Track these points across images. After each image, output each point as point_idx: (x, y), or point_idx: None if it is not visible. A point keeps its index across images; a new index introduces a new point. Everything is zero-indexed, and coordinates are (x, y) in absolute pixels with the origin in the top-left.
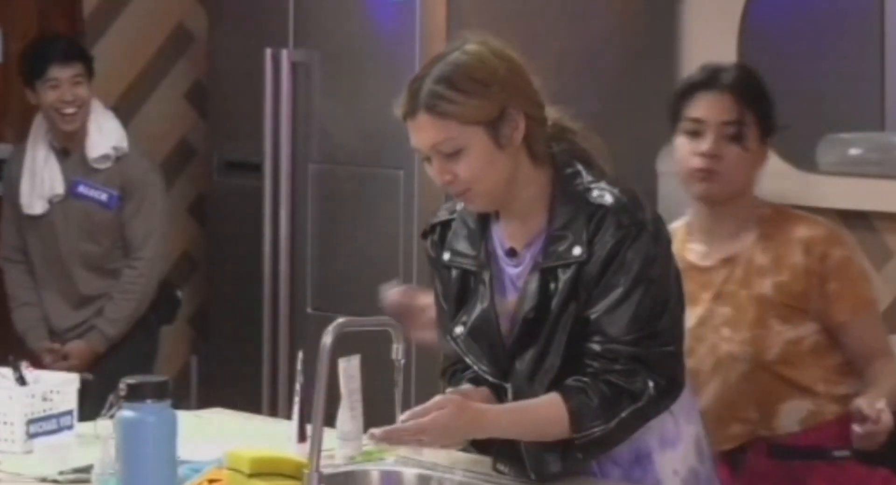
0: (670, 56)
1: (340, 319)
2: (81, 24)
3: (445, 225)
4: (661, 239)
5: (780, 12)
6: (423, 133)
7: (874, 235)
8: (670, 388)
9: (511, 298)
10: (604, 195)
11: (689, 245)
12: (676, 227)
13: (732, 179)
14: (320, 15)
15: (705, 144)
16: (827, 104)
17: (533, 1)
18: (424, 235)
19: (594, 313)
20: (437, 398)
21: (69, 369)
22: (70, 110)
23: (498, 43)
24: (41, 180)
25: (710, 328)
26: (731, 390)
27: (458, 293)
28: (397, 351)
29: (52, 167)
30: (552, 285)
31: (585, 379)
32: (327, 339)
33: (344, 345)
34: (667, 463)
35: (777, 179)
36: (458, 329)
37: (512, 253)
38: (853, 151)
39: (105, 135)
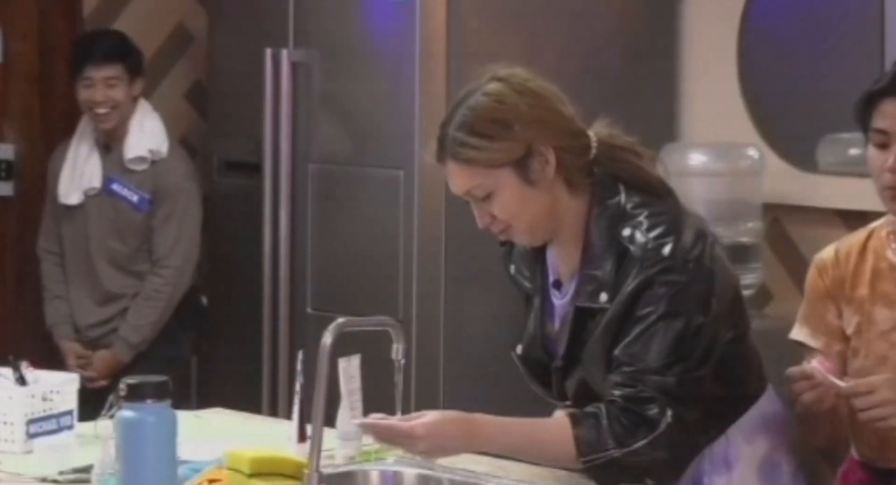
0: (670, 56)
1: (340, 319)
2: (81, 23)
3: None
4: (697, 264)
5: (780, 12)
6: (455, 180)
7: None
8: (701, 417)
9: (556, 326)
10: (634, 234)
11: (889, 245)
12: (879, 225)
13: None
14: (320, 15)
15: (891, 159)
16: (827, 104)
17: (533, 1)
18: (502, 243)
19: (618, 349)
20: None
21: (90, 379)
22: (101, 111)
23: (522, 76)
24: (80, 173)
25: None
26: None
27: (523, 309)
28: (397, 351)
29: (94, 161)
30: (588, 323)
31: (601, 405)
32: (327, 339)
33: (344, 345)
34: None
35: (777, 178)
36: (518, 349)
37: (557, 285)
38: (853, 151)
39: (145, 136)
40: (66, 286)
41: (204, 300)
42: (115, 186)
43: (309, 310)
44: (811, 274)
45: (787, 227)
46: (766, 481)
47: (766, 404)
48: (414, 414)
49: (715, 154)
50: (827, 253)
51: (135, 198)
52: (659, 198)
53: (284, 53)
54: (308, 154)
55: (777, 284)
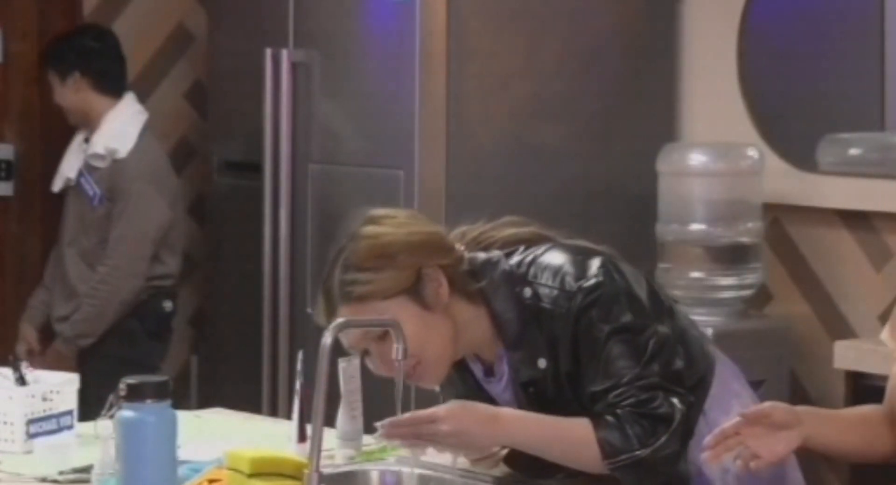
0: (670, 56)
1: (340, 319)
2: (81, 23)
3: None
4: (613, 282)
5: (780, 12)
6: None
7: (874, 236)
8: (695, 392)
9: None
10: (536, 291)
11: None
12: None
13: None
14: (320, 15)
15: None
16: (827, 104)
17: (533, 1)
18: None
19: (592, 387)
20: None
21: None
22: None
23: (391, 212)
24: (67, 162)
25: None
26: None
27: None
28: (397, 351)
29: (78, 153)
30: (540, 392)
31: (619, 412)
32: (327, 339)
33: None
34: (717, 466)
35: (777, 178)
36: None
37: (490, 372)
38: (853, 151)
39: (108, 134)
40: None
41: (168, 305)
42: (82, 179)
43: (309, 310)
44: None
45: (787, 227)
46: None
47: (727, 374)
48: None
49: (715, 154)
50: None
51: (91, 192)
52: (537, 245)
53: (284, 53)
54: (308, 154)
55: (777, 284)
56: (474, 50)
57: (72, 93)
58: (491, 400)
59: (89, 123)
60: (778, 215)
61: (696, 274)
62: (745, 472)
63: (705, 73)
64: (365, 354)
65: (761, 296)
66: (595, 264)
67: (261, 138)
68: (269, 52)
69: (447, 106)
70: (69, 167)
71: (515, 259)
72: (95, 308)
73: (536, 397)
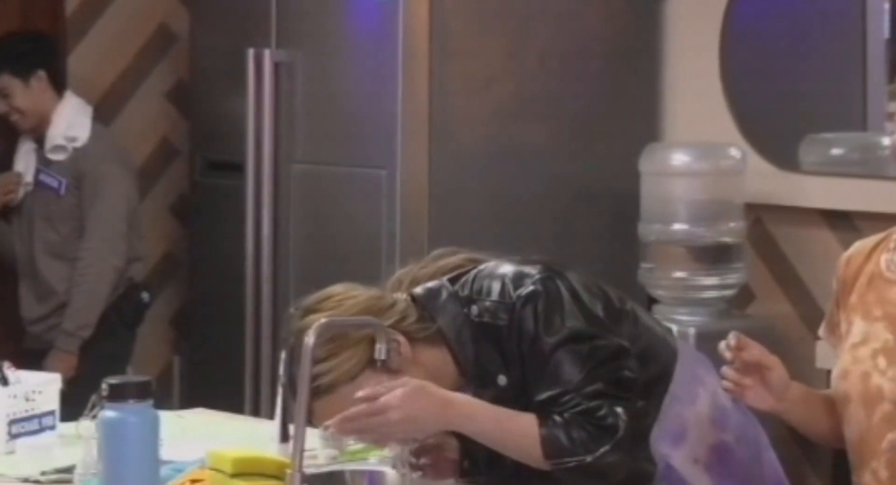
0: (653, 57)
1: (323, 319)
2: (63, 24)
3: None
4: (553, 289)
5: (762, 13)
6: (330, 411)
7: (856, 235)
8: (646, 400)
9: None
10: (482, 306)
11: (886, 251)
12: (878, 235)
13: None
14: (303, 15)
15: None
16: (809, 104)
17: (515, 1)
18: None
19: (539, 397)
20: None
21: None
22: (14, 118)
23: (324, 293)
24: (19, 169)
25: (868, 352)
26: (872, 431)
27: None
28: (380, 351)
29: (30, 157)
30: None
31: (565, 415)
32: (310, 339)
33: None
34: (685, 457)
35: (759, 178)
36: (465, 463)
37: None
38: (835, 151)
39: (63, 126)
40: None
41: (145, 296)
42: (42, 177)
43: (292, 310)
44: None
45: (770, 226)
46: (719, 428)
47: (691, 361)
48: (390, 383)
49: (697, 154)
50: (847, 252)
51: (55, 183)
52: (471, 269)
53: (267, 53)
54: (291, 154)
55: (759, 283)
56: (457, 50)
57: (37, 93)
58: None
59: (43, 123)
60: (760, 215)
61: (678, 274)
62: (713, 458)
63: (688, 73)
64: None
65: (744, 295)
66: (533, 273)
67: (243, 138)
68: (251, 52)
69: (430, 106)
70: (25, 173)
71: (460, 282)
72: (87, 294)
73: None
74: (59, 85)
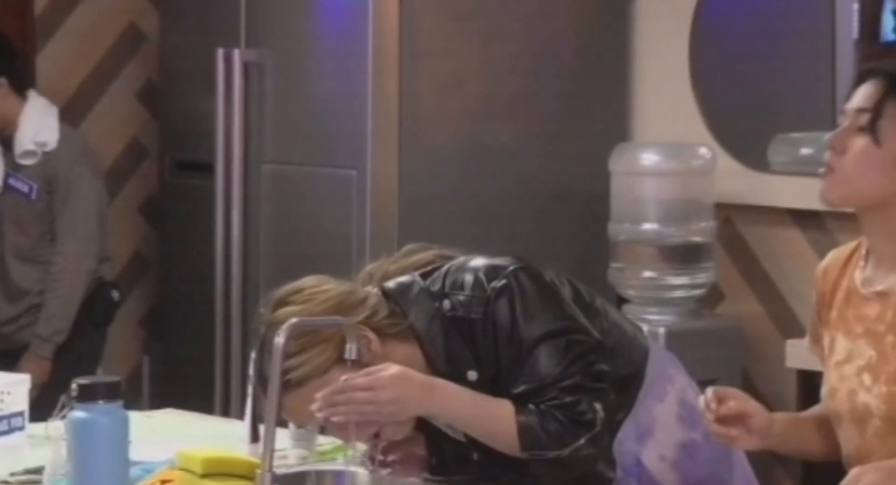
0: (623, 56)
1: (293, 319)
2: (32, 23)
3: None
4: (527, 283)
5: (731, 13)
6: (300, 411)
7: (826, 235)
8: (628, 385)
9: (447, 429)
10: (454, 301)
11: (859, 267)
12: (850, 246)
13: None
14: (272, 15)
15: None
16: (778, 104)
17: (486, 1)
18: None
19: (516, 390)
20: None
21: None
22: None
23: (295, 286)
24: None
25: (853, 369)
26: (866, 448)
27: None
28: (350, 351)
29: None
30: None
31: (543, 407)
32: (280, 339)
33: None
34: (653, 454)
35: (729, 178)
36: (433, 461)
37: None
38: (804, 151)
39: (32, 130)
40: None
41: (115, 295)
42: (11, 181)
43: (262, 302)
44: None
45: (739, 226)
46: (688, 426)
47: (661, 360)
48: (373, 368)
49: (667, 154)
50: (823, 262)
51: (26, 188)
52: (442, 265)
53: (236, 53)
54: (261, 154)
55: (729, 283)
56: (427, 49)
57: (0, 100)
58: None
59: (8, 127)
60: (730, 215)
61: (648, 273)
62: (680, 455)
63: (657, 73)
64: (321, 431)
65: (713, 295)
66: (506, 265)
67: (213, 138)
68: (221, 51)
69: (400, 105)
70: None
71: (431, 276)
72: (62, 299)
73: None
74: (21, 87)
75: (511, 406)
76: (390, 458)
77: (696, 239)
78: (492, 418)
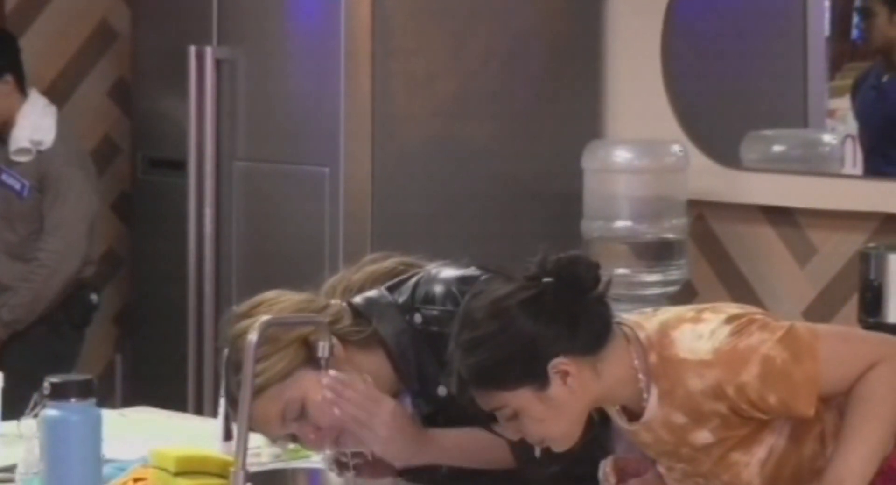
0: (595, 54)
1: (265, 317)
2: (2, 20)
3: None
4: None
5: (703, 10)
6: (266, 413)
7: (798, 231)
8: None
9: None
10: (425, 315)
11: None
12: None
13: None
14: (244, 12)
15: None
16: (750, 101)
17: None
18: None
19: None
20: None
21: None
22: None
23: (256, 300)
24: None
25: (681, 475)
26: None
27: None
28: (323, 349)
29: None
30: (442, 418)
31: None
32: (252, 336)
33: None
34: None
35: (701, 175)
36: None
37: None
38: (776, 148)
39: (29, 128)
40: None
41: (94, 298)
42: (3, 177)
43: (234, 308)
44: None
45: (712, 223)
46: None
47: None
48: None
49: (639, 151)
50: None
51: (18, 185)
52: (408, 274)
53: (208, 51)
54: (233, 152)
55: (701, 280)
56: (399, 47)
57: (3, 96)
58: None
59: (7, 123)
60: (702, 212)
61: (621, 270)
62: None
63: (630, 70)
64: (292, 440)
65: (686, 292)
66: (476, 277)
67: (185, 136)
68: (193, 49)
69: (372, 103)
70: None
71: (399, 289)
72: (34, 293)
73: (446, 424)
74: (25, 86)
75: (503, 443)
76: (354, 460)
77: (669, 236)
78: (486, 449)
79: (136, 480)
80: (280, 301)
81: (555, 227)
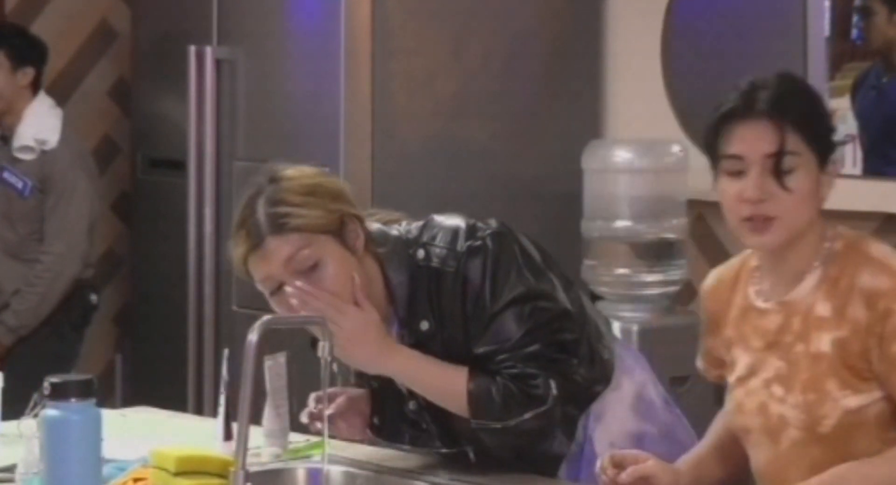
0: (595, 54)
1: (266, 317)
2: (3, 19)
3: None
4: (504, 245)
5: (703, 10)
6: (275, 255)
7: None
8: (574, 388)
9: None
10: (429, 251)
11: (751, 282)
12: (750, 253)
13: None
14: (244, 12)
15: (748, 187)
16: None
17: None
18: (313, 344)
19: (478, 349)
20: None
21: None
22: None
23: (293, 166)
24: None
25: (759, 383)
26: (781, 459)
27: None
28: (323, 349)
29: None
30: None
31: (497, 378)
32: (253, 336)
33: (270, 343)
34: (602, 438)
35: (701, 175)
36: (376, 419)
37: None
38: None
39: (35, 127)
40: None
41: (94, 299)
42: (5, 175)
43: (234, 307)
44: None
45: (712, 223)
46: (641, 419)
47: (619, 349)
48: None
49: (639, 151)
50: (708, 281)
51: (20, 184)
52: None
53: (208, 50)
54: (233, 151)
55: (701, 280)
56: (399, 48)
57: (18, 83)
58: None
59: (10, 115)
60: (702, 212)
61: (621, 270)
62: (629, 445)
63: (630, 70)
64: (275, 292)
65: (686, 292)
66: (487, 227)
67: (185, 135)
68: (192, 49)
69: (372, 103)
70: None
71: (409, 226)
72: (39, 297)
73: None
74: (39, 85)
75: (465, 374)
76: (330, 412)
77: (669, 236)
78: (446, 384)
79: (136, 480)
80: (325, 173)
81: (555, 227)
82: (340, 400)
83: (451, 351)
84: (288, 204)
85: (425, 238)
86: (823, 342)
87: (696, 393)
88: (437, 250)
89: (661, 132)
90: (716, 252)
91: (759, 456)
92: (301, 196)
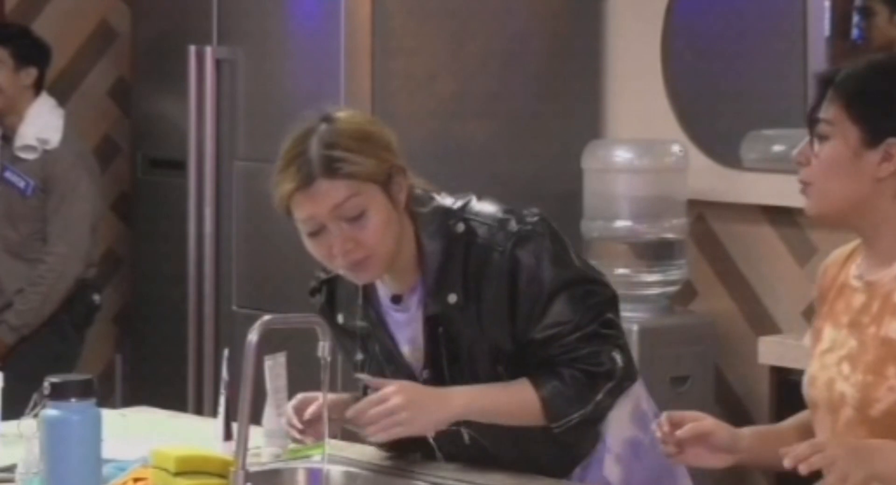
0: (595, 54)
1: (266, 317)
2: (3, 19)
3: (331, 282)
4: (553, 231)
5: (704, 10)
6: (324, 198)
7: (798, 231)
8: (631, 363)
9: (405, 347)
10: (471, 225)
11: (852, 262)
12: (852, 243)
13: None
14: (244, 12)
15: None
16: (750, 101)
17: None
18: (312, 292)
19: (534, 332)
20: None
21: None
22: None
23: (346, 109)
24: None
25: (834, 359)
26: (836, 438)
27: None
28: (323, 349)
29: None
30: (443, 329)
31: (556, 368)
32: (253, 336)
33: (270, 342)
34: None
35: (701, 175)
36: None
37: (397, 299)
38: (776, 148)
39: (37, 126)
40: None
41: (97, 299)
42: (7, 174)
43: (234, 307)
44: None
45: (712, 223)
46: (637, 427)
47: None
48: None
49: (639, 151)
50: (826, 260)
51: (22, 184)
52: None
53: (208, 50)
54: (233, 151)
55: (701, 280)
56: (399, 48)
57: (21, 83)
58: (389, 336)
59: (10, 115)
60: (702, 211)
61: (621, 270)
62: (626, 450)
63: (630, 70)
64: (315, 233)
65: (686, 292)
66: (532, 214)
67: (185, 135)
68: (192, 49)
69: (372, 103)
70: None
71: (450, 199)
72: (42, 297)
73: (444, 333)
74: (40, 86)
75: (529, 384)
76: (305, 418)
77: (669, 236)
78: (516, 401)
79: (136, 480)
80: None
81: None
82: (313, 408)
83: (472, 328)
84: (343, 148)
85: (468, 214)
86: (893, 329)
87: (696, 393)
88: (484, 227)
89: (661, 132)
90: (716, 252)
91: (820, 433)
92: (356, 142)
